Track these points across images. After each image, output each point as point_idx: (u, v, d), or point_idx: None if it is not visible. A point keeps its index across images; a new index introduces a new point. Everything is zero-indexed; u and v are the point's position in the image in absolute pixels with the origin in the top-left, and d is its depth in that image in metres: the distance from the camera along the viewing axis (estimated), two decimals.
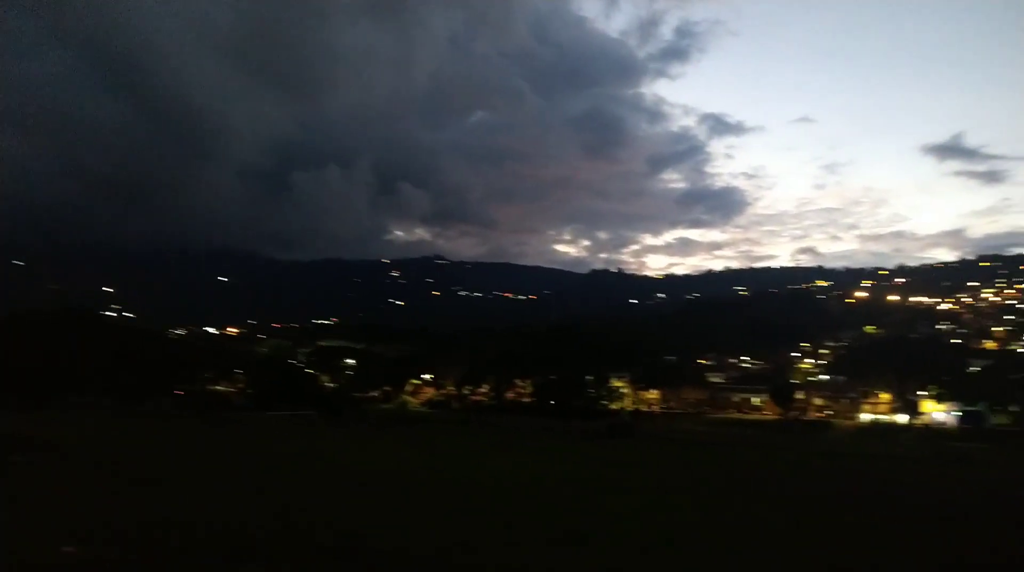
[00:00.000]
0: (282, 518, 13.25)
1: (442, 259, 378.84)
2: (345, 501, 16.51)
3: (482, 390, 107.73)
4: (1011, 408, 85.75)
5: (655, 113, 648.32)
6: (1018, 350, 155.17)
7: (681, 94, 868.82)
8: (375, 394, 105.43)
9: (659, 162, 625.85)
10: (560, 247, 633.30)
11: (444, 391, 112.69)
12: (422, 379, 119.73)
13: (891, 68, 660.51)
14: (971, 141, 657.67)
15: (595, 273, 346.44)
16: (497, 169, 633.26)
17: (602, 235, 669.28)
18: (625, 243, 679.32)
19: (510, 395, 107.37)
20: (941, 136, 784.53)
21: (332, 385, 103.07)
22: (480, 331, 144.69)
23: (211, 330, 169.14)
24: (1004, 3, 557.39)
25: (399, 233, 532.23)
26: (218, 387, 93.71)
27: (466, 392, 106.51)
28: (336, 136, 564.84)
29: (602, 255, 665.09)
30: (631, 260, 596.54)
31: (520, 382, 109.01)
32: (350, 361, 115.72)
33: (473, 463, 29.43)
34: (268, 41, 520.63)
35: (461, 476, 23.50)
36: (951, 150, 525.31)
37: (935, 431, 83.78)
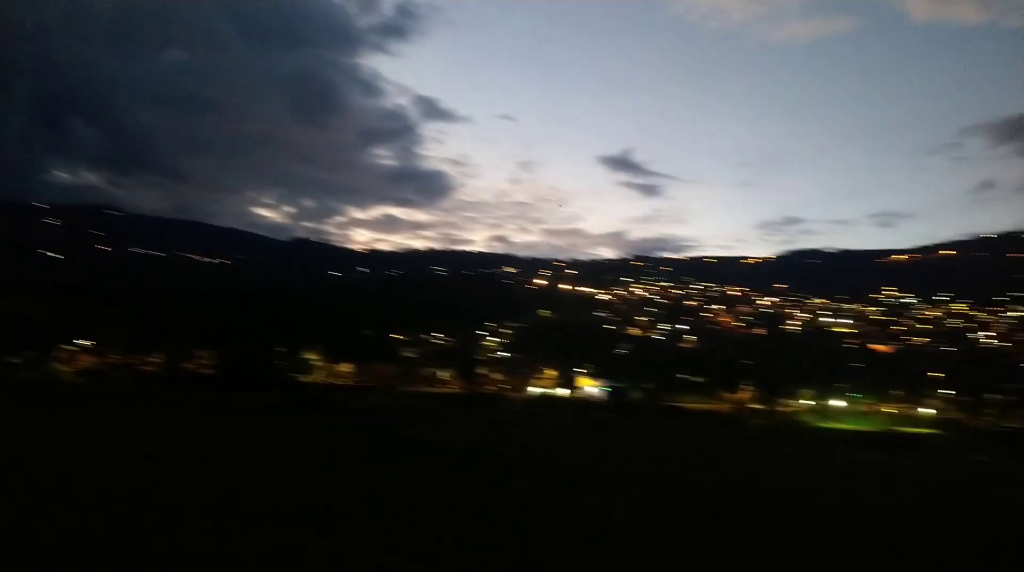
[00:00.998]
0: None
1: (115, 210, 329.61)
2: None
3: (155, 360, 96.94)
4: (646, 385, 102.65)
5: (371, 87, 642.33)
6: (654, 337, 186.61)
7: (398, 73, 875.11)
8: (15, 360, 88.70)
9: (371, 136, 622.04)
10: (261, 210, 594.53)
11: (108, 359, 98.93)
12: (80, 345, 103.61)
13: (582, 82, 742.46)
14: (638, 157, 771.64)
15: (297, 241, 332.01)
16: (192, 117, 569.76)
17: (307, 203, 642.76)
18: (331, 214, 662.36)
19: (190, 366, 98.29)
20: (615, 149, 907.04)
21: None
22: (157, 293, 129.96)
23: None
24: (675, 39, 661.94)
25: (62, 174, 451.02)
26: None
27: (135, 361, 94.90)
28: None
29: (306, 223, 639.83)
30: (336, 232, 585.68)
31: (203, 352, 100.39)
32: None
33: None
34: None
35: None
36: (621, 163, 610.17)
37: (588, 403, 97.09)
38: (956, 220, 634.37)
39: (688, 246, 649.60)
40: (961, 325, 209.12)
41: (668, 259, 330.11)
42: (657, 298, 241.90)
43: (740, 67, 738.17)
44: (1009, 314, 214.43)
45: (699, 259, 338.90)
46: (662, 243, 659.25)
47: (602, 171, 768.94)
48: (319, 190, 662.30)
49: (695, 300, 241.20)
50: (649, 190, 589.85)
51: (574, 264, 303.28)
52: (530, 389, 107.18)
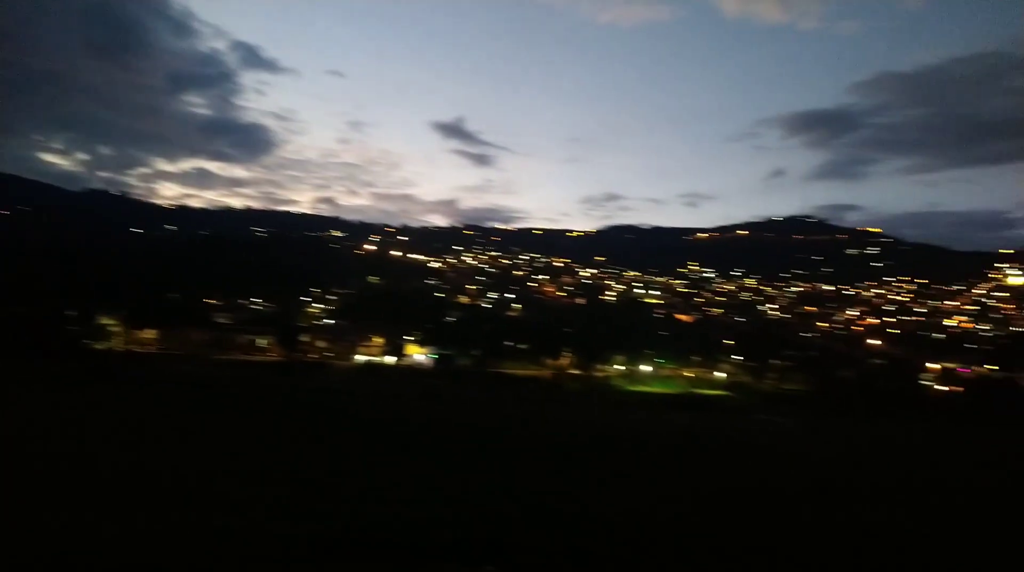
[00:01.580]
0: None
1: None
2: None
3: None
4: (474, 352, 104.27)
5: (182, 26, 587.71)
6: (483, 305, 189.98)
7: (215, 14, 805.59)
8: None
9: (181, 81, 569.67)
10: (48, 156, 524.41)
11: None
12: None
13: (417, 45, 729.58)
14: (471, 126, 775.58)
15: (92, 193, 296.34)
16: None
17: (105, 151, 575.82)
18: (133, 164, 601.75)
19: None
20: (448, 116, 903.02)
21: None
22: None
23: None
24: (509, 10, 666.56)
25: None
26: None
27: None
28: None
29: (103, 174, 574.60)
30: (139, 184, 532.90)
31: None
32: None
33: None
34: None
35: None
36: (454, 130, 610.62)
37: (416, 371, 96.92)
38: (751, 203, 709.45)
39: (517, 217, 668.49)
40: (751, 298, 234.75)
41: (498, 229, 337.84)
42: (487, 267, 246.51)
43: (570, 45, 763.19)
44: (792, 289, 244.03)
45: (527, 230, 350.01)
46: (493, 213, 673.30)
47: (435, 137, 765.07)
48: (119, 137, 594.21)
49: (522, 270, 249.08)
50: (481, 160, 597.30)
51: (405, 230, 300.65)
52: (356, 357, 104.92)
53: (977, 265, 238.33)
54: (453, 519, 10.85)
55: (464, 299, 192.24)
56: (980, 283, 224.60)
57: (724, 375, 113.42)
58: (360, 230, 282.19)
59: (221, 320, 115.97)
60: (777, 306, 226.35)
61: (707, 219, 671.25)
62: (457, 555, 8.81)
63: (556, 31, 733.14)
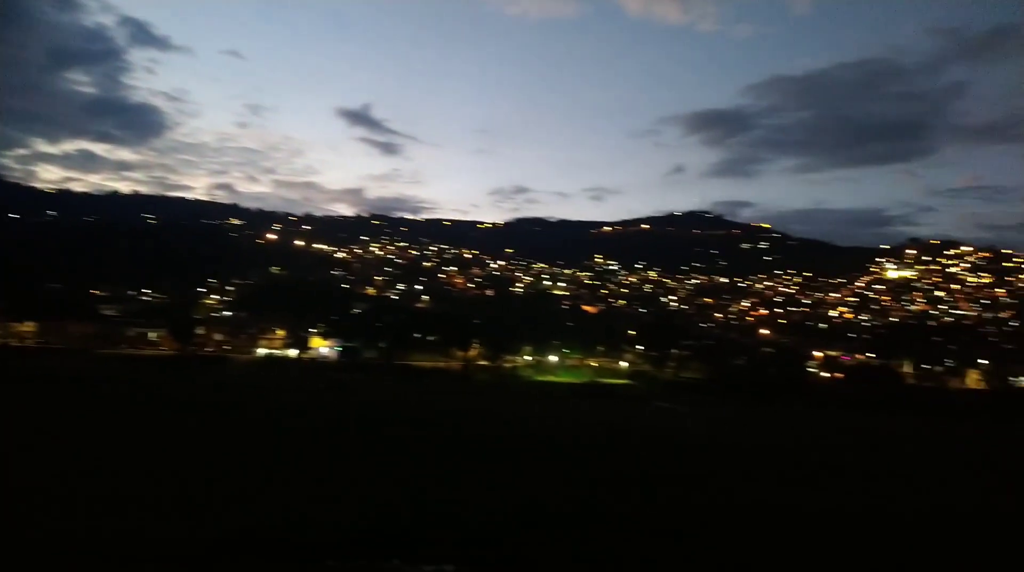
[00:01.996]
0: None
1: None
2: None
3: None
4: (380, 345, 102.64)
5: None
6: (391, 297, 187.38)
7: None
8: None
9: (64, 57, 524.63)
10: None
11: None
12: None
13: (321, 27, 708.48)
14: (378, 113, 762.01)
15: None
16: None
17: None
18: (9, 145, 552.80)
19: None
20: (354, 103, 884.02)
21: None
22: None
23: None
24: (427, 1, 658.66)
25: None
26: None
27: None
28: None
29: None
30: (16, 167, 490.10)
31: None
32: None
33: None
34: None
35: None
36: (360, 118, 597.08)
37: (320, 364, 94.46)
38: (653, 198, 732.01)
39: (426, 208, 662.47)
40: (653, 290, 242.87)
41: (406, 220, 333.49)
42: (395, 258, 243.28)
43: (478, 36, 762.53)
44: (691, 281, 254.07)
45: (437, 221, 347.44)
46: (401, 203, 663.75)
47: (340, 124, 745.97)
48: None
49: (431, 261, 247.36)
50: (388, 148, 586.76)
51: (309, 219, 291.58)
52: (257, 350, 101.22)
53: (858, 260, 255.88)
54: (344, 515, 10.61)
55: (371, 290, 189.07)
56: (861, 277, 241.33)
57: (627, 364, 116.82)
58: (260, 218, 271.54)
59: (108, 312, 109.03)
60: (677, 298, 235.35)
61: (612, 213, 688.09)
62: (348, 552, 8.59)
63: (464, 21, 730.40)
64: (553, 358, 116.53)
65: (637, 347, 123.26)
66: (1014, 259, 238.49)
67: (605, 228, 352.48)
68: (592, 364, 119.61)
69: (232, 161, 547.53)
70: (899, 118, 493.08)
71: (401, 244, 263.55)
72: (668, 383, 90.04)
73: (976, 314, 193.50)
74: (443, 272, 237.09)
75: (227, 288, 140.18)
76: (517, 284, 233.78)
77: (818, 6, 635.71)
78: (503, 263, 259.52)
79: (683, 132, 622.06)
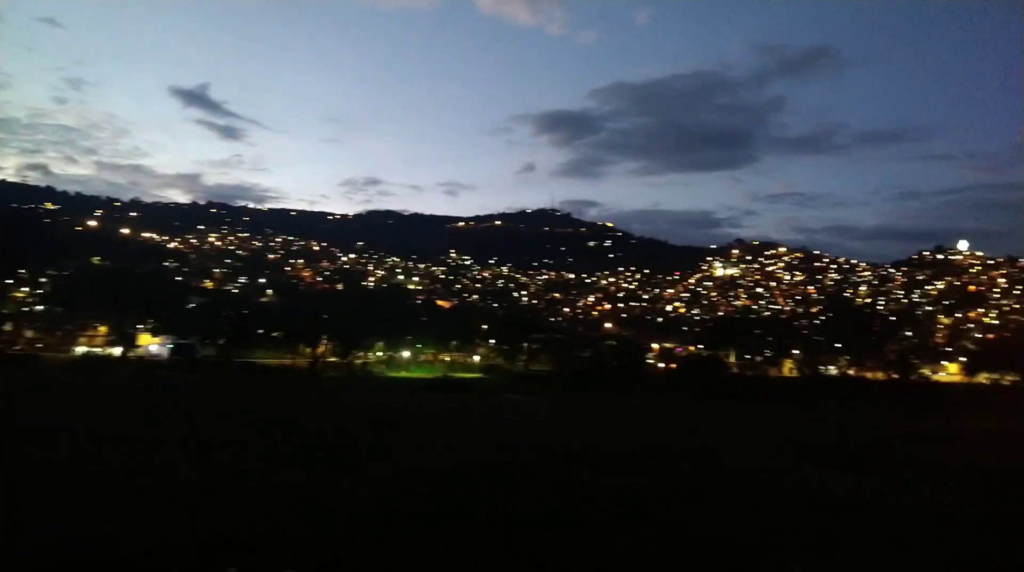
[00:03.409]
0: None
1: None
2: None
3: None
4: (219, 341, 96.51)
5: None
6: (232, 290, 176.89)
7: None
8: None
9: None
10: None
11: None
12: None
13: (157, 2, 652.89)
14: (217, 95, 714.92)
15: None
16: None
17: None
18: None
19: None
20: (190, 81, 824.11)
21: None
22: None
23: None
24: None
25: None
26: None
27: None
28: None
29: None
30: None
31: None
32: None
33: None
34: None
35: None
36: (197, 98, 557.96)
37: (149, 363, 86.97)
38: (506, 195, 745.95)
39: (270, 197, 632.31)
40: (506, 286, 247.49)
41: (248, 209, 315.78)
42: (235, 249, 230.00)
43: (329, 21, 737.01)
44: (541, 277, 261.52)
45: (283, 211, 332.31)
46: (243, 191, 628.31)
47: (174, 104, 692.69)
48: None
49: (276, 253, 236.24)
50: (229, 132, 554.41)
51: (137, 206, 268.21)
52: (75, 348, 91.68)
53: (691, 258, 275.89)
54: (170, 528, 9.74)
55: (209, 284, 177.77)
56: (693, 274, 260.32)
57: (480, 359, 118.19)
58: (80, 203, 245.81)
59: None
60: (528, 293, 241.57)
61: (466, 208, 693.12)
62: (177, 566, 7.85)
63: (314, 3, 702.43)
64: (406, 354, 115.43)
65: (490, 341, 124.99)
66: (823, 259, 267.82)
67: (459, 223, 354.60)
68: (445, 359, 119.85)
69: (47, 139, 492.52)
70: (727, 128, 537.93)
71: (243, 235, 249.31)
72: (520, 376, 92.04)
73: (791, 309, 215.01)
74: (289, 265, 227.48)
75: (40, 280, 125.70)
76: (369, 278, 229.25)
77: (658, 19, 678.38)
78: (354, 256, 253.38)
79: (534, 131, 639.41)
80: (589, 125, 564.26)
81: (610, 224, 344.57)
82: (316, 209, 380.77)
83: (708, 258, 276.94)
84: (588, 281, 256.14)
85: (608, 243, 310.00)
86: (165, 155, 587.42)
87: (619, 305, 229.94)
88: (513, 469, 16.45)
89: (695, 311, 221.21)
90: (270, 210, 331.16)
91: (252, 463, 15.98)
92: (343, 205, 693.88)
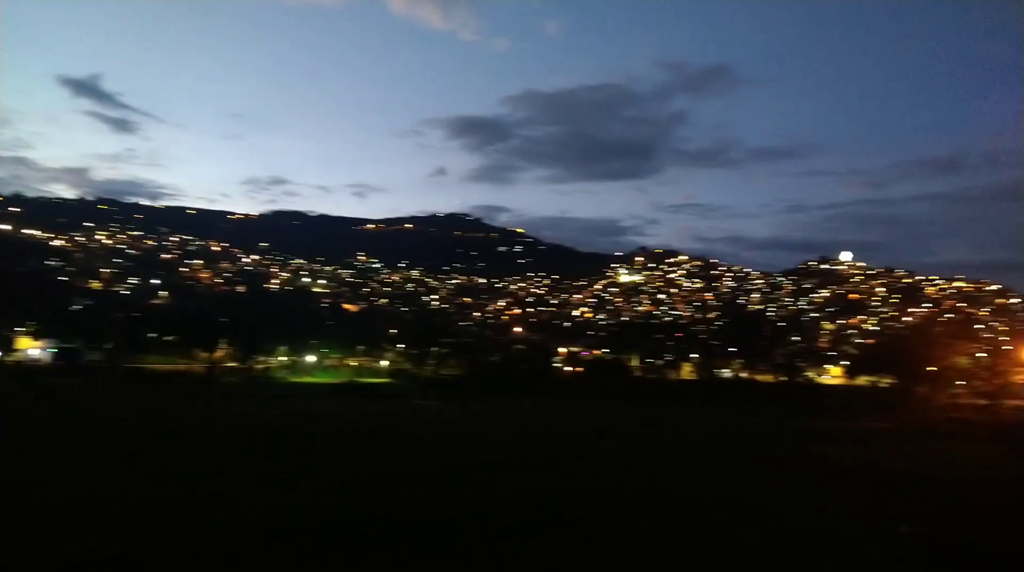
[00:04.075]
0: None
1: None
2: None
3: None
4: (107, 345, 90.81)
5: None
6: (121, 291, 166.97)
7: None
8: None
9: None
10: None
11: None
12: None
13: None
14: (109, 85, 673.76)
15: None
16: None
17: None
18: None
19: None
20: (80, 71, 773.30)
21: None
22: None
23: None
24: None
25: None
26: None
27: None
28: None
29: None
30: None
31: None
32: None
33: None
34: None
35: None
36: (87, 88, 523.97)
37: (28, 368, 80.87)
38: (417, 198, 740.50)
39: (167, 194, 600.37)
40: (416, 289, 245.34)
41: (142, 206, 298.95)
42: (127, 248, 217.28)
43: (234, 12, 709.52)
44: (452, 281, 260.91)
45: (180, 209, 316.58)
46: (136, 187, 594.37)
47: (61, 94, 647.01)
48: None
49: (172, 253, 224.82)
50: (122, 125, 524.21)
51: (17, 200, 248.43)
52: None
53: (597, 265, 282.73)
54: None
55: (96, 284, 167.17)
56: (599, 280, 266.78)
57: (388, 363, 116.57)
58: None
59: None
60: (439, 297, 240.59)
61: (375, 210, 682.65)
62: None
63: None
64: (311, 358, 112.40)
65: (398, 346, 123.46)
66: (720, 267, 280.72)
67: (368, 225, 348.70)
68: (352, 364, 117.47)
69: None
70: (633, 139, 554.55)
71: (135, 233, 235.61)
72: (428, 380, 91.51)
73: (690, 315, 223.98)
74: (186, 266, 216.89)
75: None
76: (272, 281, 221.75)
77: (568, 31, 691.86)
78: (257, 258, 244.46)
79: (445, 135, 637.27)
80: (501, 131, 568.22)
81: (520, 230, 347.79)
82: (216, 208, 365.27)
83: (614, 265, 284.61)
84: (498, 286, 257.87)
85: (518, 249, 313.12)
86: (51, 147, 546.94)
87: (528, 310, 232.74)
88: (423, 475, 16.54)
89: (601, 316, 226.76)
90: (166, 208, 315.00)
91: (137, 475, 15.36)
92: (246, 204, 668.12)
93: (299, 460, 18.63)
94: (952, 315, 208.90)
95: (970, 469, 19.79)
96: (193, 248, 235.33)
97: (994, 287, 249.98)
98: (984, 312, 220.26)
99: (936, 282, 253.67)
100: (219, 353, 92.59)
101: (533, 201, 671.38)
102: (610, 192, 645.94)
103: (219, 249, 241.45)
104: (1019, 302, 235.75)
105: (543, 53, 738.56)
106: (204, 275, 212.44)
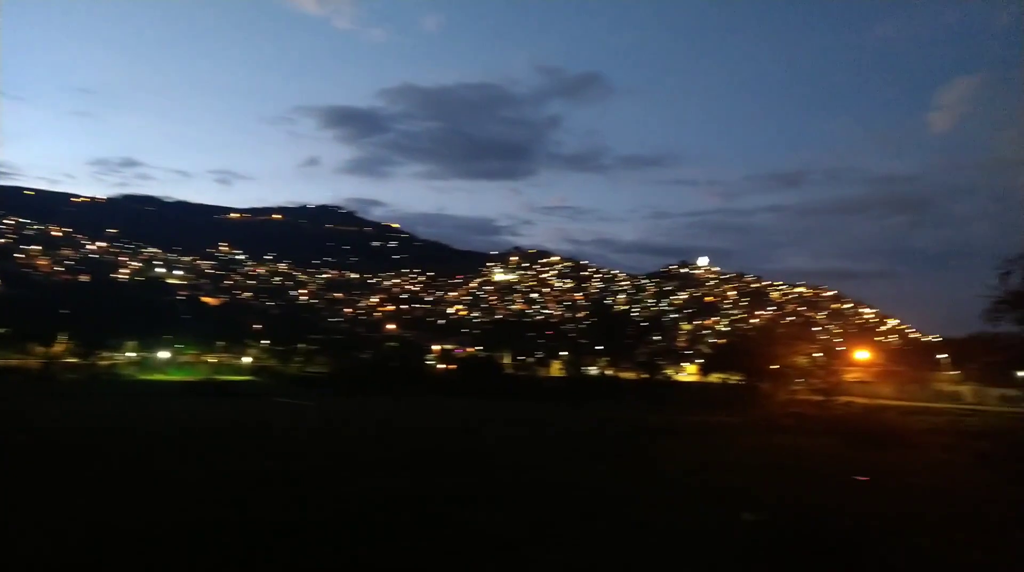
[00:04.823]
0: None
1: None
2: None
3: None
4: None
5: None
6: None
7: None
8: None
9: None
10: None
11: None
12: None
13: None
14: None
15: None
16: None
17: None
18: None
19: None
20: None
21: None
22: None
23: None
24: None
25: None
26: None
27: None
28: None
29: None
30: None
31: None
32: None
33: None
34: None
35: None
36: None
37: None
38: (286, 188, 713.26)
39: (1, 173, 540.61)
40: (283, 283, 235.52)
41: None
42: None
43: None
44: (322, 276, 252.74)
45: (16, 189, 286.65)
46: None
47: None
48: None
49: (6, 238, 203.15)
50: None
51: None
52: None
53: (473, 263, 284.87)
54: None
55: None
56: (474, 278, 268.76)
57: (251, 360, 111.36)
58: None
59: None
60: (307, 292, 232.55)
61: (240, 199, 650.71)
62: None
63: None
64: (164, 354, 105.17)
65: (262, 342, 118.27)
66: (589, 269, 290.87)
67: (232, 214, 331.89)
68: (211, 360, 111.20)
69: None
70: (509, 140, 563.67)
71: None
72: (294, 378, 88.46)
73: (560, 314, 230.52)
74: (22, 251, 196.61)
75: None
76: (121, 270, 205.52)
77: (447, 27, 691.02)
78: (104, 245, 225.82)
79: (318, 125, 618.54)
80: (377, 124, 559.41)
81: (396, 225, 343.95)
82: (59, 189, 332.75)
83: (489, 263, 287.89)
84: (371, 281, 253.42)
85: (393, 244, 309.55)
86: None
87: (402, 307, 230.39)
88: (279, 476, 15.82)
89: (475, 314, 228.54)
90: (0, 187, 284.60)
91: None
92: (93, 187, 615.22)
93: (135, 463, 17.26)
94: (793, 318, 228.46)
95: (807, 460, 21.54)
96: (31, 233, 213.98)
97: (830, 293, 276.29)
98: (821, 316, 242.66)
99: (780, 287, 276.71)
100: (58, 347, 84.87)
101: (409, 196, 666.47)
102: (486, 191, 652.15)
103: (60, 234, 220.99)
104: (851, 307, 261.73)
105: (421, 47, 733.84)
106: (42, 262, 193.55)
